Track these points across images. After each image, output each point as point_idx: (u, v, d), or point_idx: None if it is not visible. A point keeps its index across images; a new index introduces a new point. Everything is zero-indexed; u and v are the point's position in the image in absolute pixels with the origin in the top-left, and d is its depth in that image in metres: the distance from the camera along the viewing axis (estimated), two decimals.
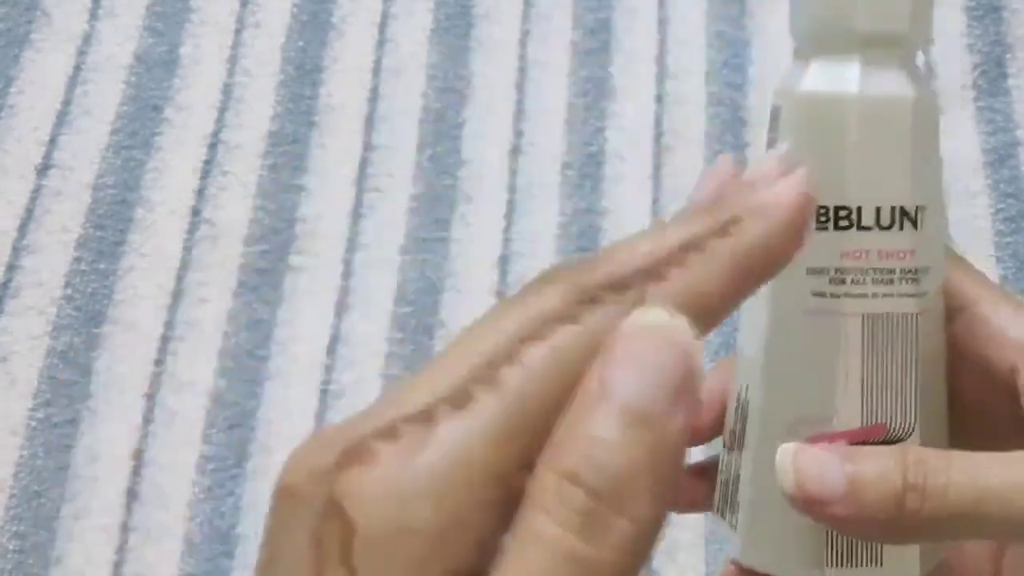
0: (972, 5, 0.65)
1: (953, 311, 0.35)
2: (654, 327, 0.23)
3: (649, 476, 0.22)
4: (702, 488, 0.38)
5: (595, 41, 0.65)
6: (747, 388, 0.36)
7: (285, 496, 0.23)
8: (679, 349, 0.23)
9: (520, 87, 0.63)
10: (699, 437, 0.38)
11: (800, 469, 0.31)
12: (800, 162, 0.31)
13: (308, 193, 0.61)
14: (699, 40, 0.64)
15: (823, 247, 0.33)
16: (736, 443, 0.36)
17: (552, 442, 0.22)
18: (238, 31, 0.65)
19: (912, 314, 0.34)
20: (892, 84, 0.33)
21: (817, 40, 0.35)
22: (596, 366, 0.23)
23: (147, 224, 0.60)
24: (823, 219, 0.33)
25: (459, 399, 0.22)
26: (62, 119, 0.63)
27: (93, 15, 0.66)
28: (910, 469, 0.30)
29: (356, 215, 0.60)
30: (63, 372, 0.56)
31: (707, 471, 0.38)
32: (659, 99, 0.63)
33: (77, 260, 0.59)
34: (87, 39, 0.65)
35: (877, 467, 0.31)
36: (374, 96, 0.63)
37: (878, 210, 0.33)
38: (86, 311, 0.57)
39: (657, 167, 0.61)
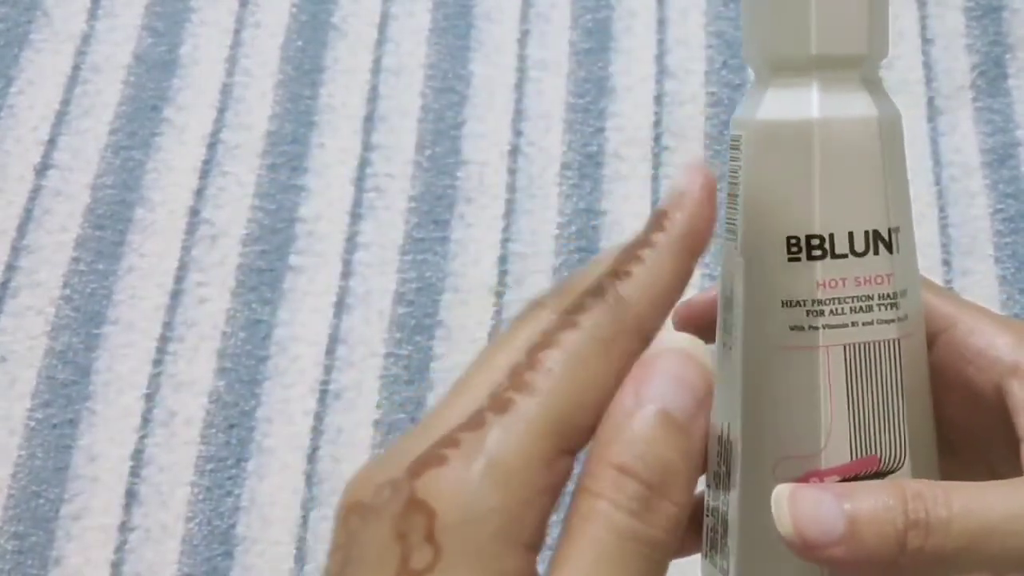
0: (971, 6, 0.65)
1: (933, 335, 0.35)
2: (678, 347, 0.28)
3: (686, 468, 0.27)
4: (689, 532, 0.36)
5: (594, 41, 0.65)
6: (728, 427, 0.35)
7: (355, 509, 0.26)
8: (700, 365, 0.28)
9: (519, 87, 0.63)
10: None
11: (796, 511, 0.31)
12: (764, 191, 0.32)
13: (307, 193, 0.61)
14: (698, 40, 0.64)
15: (797, 279, 0.32)
16: (721, 484, 0.35)
17: (599, 442, 0.27)
18: (237, 31, 0.65)
19: (894, 339, 0.33)
20: (854, 105, 0.33)
21: (774, 65, 0.34)
22: (630, 379, 0.28)
23: (146, 224, 0.60)
24: (795, 250, 0.32)
25: (500, 404, 0.27)
26: (61, 119, 0.62)
27: (92, 15, 0.66)
28: (910, 505, 0.30)
29: (355, 215, 0.60)
30: (62, 372, 0.56)
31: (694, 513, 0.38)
32: (658, 99, 0.63)
33: (76, 260, 0.59)
34: (86, 39, 0.65)
35: (876, 505, 0.30)
36: (373, 96, 0.63)
37: (851, 236, 0.32)
38: (85, 311, 0.57)
39: (656, 167, 0.61)
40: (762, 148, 0.33)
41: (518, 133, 0.62)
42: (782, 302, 0.32)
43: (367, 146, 0.62)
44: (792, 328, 0.32)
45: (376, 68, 0.64)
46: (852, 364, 0.33)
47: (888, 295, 0.33)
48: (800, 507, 0.30)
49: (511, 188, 0.60)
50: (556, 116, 0.62)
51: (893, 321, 0.33)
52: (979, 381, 0.34)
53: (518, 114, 0.63)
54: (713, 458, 0.36)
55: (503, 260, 0.59)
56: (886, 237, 0.33)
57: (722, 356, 0.35)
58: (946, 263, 0.58)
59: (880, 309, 0.33)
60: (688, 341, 0.28)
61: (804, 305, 0.32)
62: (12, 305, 0.57)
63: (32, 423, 0.55)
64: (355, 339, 0.57)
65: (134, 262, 0.59)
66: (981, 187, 0.60)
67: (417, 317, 0.57)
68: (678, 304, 0.35)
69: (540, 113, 0.63)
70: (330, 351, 0.56)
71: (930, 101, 0.63)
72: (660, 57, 0.64)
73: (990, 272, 0.58)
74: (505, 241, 0.59)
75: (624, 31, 0.65)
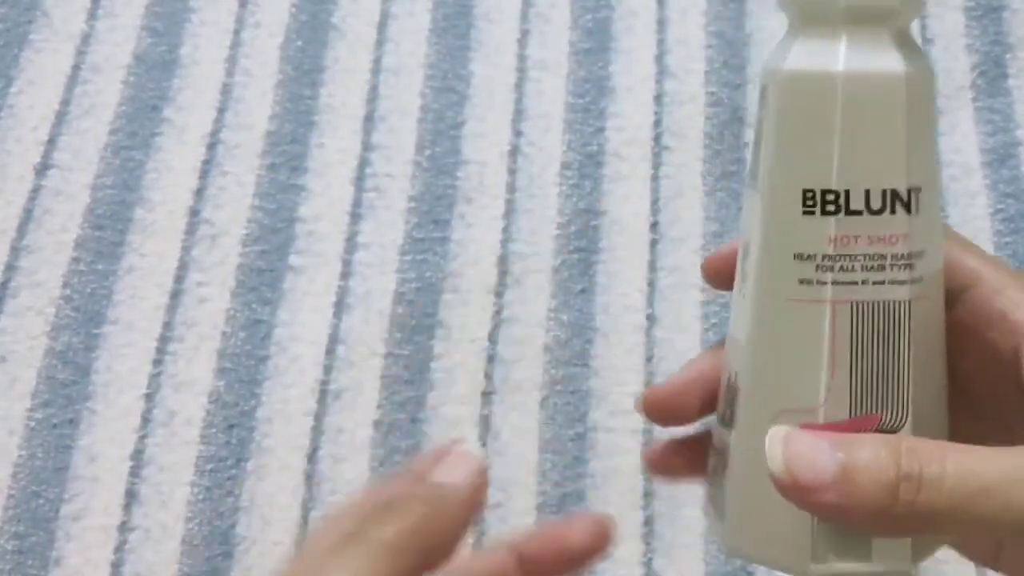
0: (971, 5, 0.65)
1: (956, 292, 0.34)
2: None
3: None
4: (693, 458, 0.38)
5: (594, 41, 0.65)
6: (736, 374, 0.35)
7: None
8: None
9: (519, 87, 0.63)
10: (685, 417, 0.37)
11: (789, 452, 0.30)
12: (785, 142, 0.32)
13: (307, 193, 0.61)
14: (698, 40, 0.64)
15: (811, 232, 0.32)
16: (725, 425, 0.35)
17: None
18: (237, 31, 0.65)
19: (905, 301, 0.32)
20: (881, 60, 0.32)
21: (804, 15, 0.33)
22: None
23: (146, 224, 0.60)
24: (810, 203, 0.32)
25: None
26: (61, 119, 0.62)
27: (92, 15, 0.66)
28: (904, 457, 0.30)
29: (355, 215, 0.60)
30: (62, 372, 0.56)
31: (700, 442, 0.38)
32: (658, 99, 0.63)
33: (76, 260, 0.59)
34: (86, 39, 0.65)
35: (870, 454, 0.30)
36: (373, 96, 0.63)
37: (867, 193, 0.32)
38: (85, 311, 0.57)
39: (656, 167, 0.61)
40: (786, 98, 0.33)
41: (518, 133, 0.62)
42: (794, 254, 0.32)
43: (367, 146, 0.62)
44: (802, 281, 0.32)
45: (376, 68, 0.64)
46: (859, 322, 0.32)
47: (903, 255, 0.32)
48: (794, 448, 0.30)
49: (511, 188, 0.60)
50: (556, 116, 0.62)
51: (906, 282, 0.32)
52: (999, 344, 0.33)
53: (518, 114, 0.63)
54: (721, 399, 0.36)
55: (503, 260, 0.59)
56: (904, 197, 0.32)
57: (736, 303, 0.35)
58: None
59: (893, 269, 0.32)
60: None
61: (815, 259, 0.32)
62: (12, 305, 0.57)
63: (32, 423, 0.55)
64: (355, 339, 0.57)
65: (134, 262, 0.59)
66: (981, 187, 0.60)
67: (417, 317, 0.57)
68: (707, 257, 0.37)
69: (540, 113, 0.63)
70: (330, 351, 0.56)
71: None
72: (660, 57, 0.64)
73: None
74: (505, 241, 0.59)
75: (624, 31, 0.65)
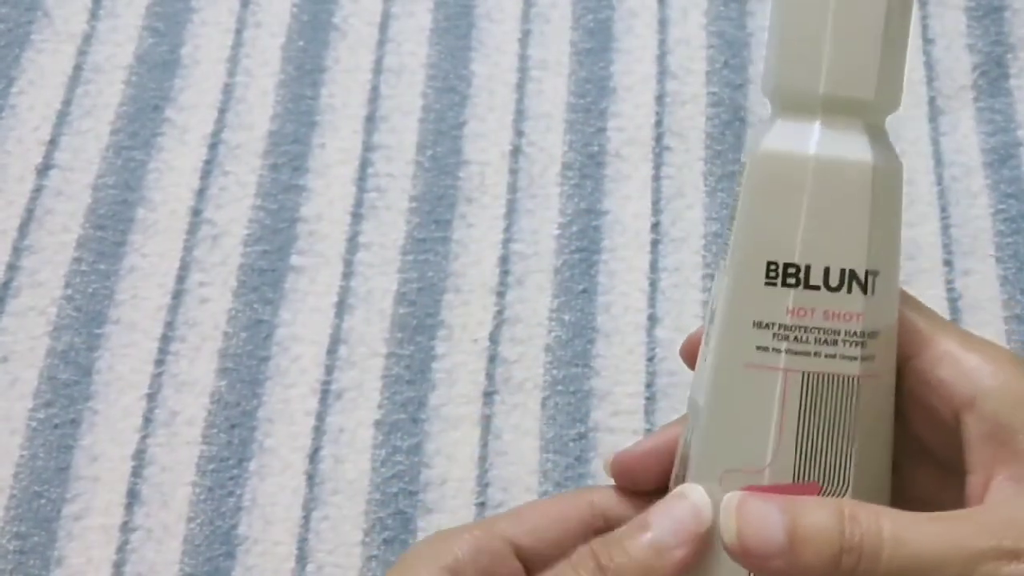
0: (972, 5, 0.65)
1: (904, 359, 0.36)
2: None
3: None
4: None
5: (595, 41, 0.65)
6: (691, 434, 0.36)
7: None
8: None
9: (520, 87, 0.63)
10: (647, 483, 0.40)
11: (741, 521, 0.32)
12: (756, 217, 0.34)
13: (309, 193, 0.61)
14: (699, 40, 0.64)
15: (770, 302, 0.34)
16: (679, 481, 0.37)
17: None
18: (239, 31, 0.65)
19: (853, 376, 0.34)
20: (851, 149, 0.34)
21: (784, 101, 0.35)
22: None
23: (148, 224, 0.60)
24: (772, 275, 0.34)
25: None
26: (62, 119, 0.63)
27: (93, 15, 0.66)
28: (847, 527, 0.31)
29: (356, 215, 0.60)
30: (63, 372, 0.56)
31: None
32: (660, 99, 0.63)
33: (77, 260, 0.59)
34: (87, 39, 0.65)
35: (815, 522, 0.31)
36: (374, 96, 0.63)
37: (827, 271, 0.34)
38: (86, 311, 0.57)
39: (658, 167, 0.61)
40: (761, 177, 0.35)
41: (519, 133, 0.62)
42: (753, 322, 0.34)
43: (368, 146, 0.62)
44: (758, 348, 0.34)
45: (377, 68, 0.64)
46: (808, 392, 0.34)
47: (855, 333, 0.34)
48: (745, 517, 0.32)
49: (512, 188, 0.60)
50: (557, 116, 0.62)
51: (857, 359, 0.34)
52: (942, 412, 0.35)
53: (519, 114, 0.63)
54: (677, 460, 0.38)
55: (504, 260, 0.59)
56: (862, 278, 0.34)
57: (699, 368, 0.37)
58: (947, 263, 0.58)
59: (845, 345, 0.34)
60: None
61: (772, 328, 0.34)
62: (13, 305, 0.57)
63: (33, 423, 0.55)
64: (356, 339, 0.57)
65: (136, 262, 0.59)
66: (982, 187, 0.60)
67: (419, 317, 0.57)
68: (684, 342, 0.41)
69: (541, 113, 0.63)
70: (331, 351, 0.56)
71: (931, 101, 0.63)
72: (661, 57, 0.64)
73: (991, 272, 0.58)
74: (506, 241, 0.59)
75: (625, 31, 0.65)
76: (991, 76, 0.63)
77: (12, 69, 0.64)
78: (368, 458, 0.54)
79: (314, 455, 0.54)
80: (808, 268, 0.34)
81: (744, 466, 0.34)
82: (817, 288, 0.34)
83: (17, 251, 0.59)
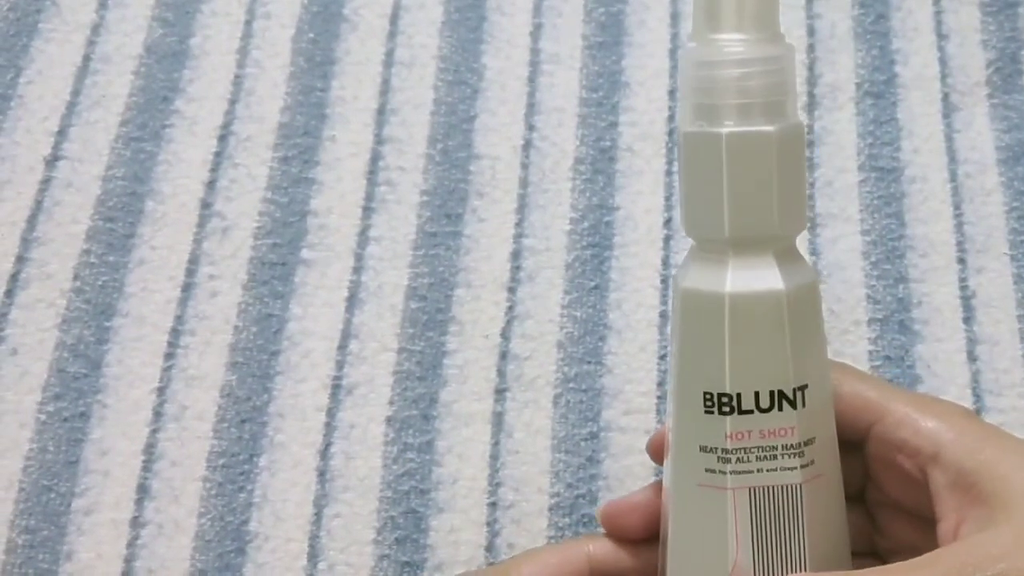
0: (987, 1, 0.65)
1: (865, 427, 0.40)
2: None
3: None
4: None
5: (607, 35, 0.64)
6: (667, 538, 0.40)
7: None
8: None
9: (532, 81, 0.63)
10: (632, 535, 0.43)
11: None
12: (687, 349, 0.37)
13: (319, 186, 0.60)
14: None
15: (711, 429, 0.37)
16: None
17: None
18: (248, 22, 0.65)
19: (797, 484, 0.37)
20: (762, 280, 0.37)
21: (698, 242, 0.38)
22: None
23: (157, 217, 0.59)
24: (709, 404, 0.37)
25: None
26: (71, 110, 0.62)
27: (102, 5, 0.65)
28: None
29: (367, 209, 0.60)
30: (73, 365, 0.56)
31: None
32: (672, 94, 0.63)
33: (86, 252, 0.58)
34: (96, 29, 0.65)
35: None
36: (385, 89, 0.63)
37: (756, 395, 0.37)
38: (96, 304, 0.57)
39: (670, 162, 0.61)
40: (686, 312, 0.38)
41: (531, 127, 0.62)
42: (699, 447, 0.37)
43: (379, 139, 0.62)
44: (707, 470, 0.37)
45: (388, 61, 0.64)
46: (756, 505, 0.37)
47: (792, 445, 0.37)
48: None
49: (524, 183, 0.60)
50: (569, 110, 0.62)
51: (796, 468, 0.37)
52: (908, 468, 0.39)
53: (531, 108, 0.62)
54: (660, 554, 0.41)
55: (515, 255, 0.58)
56: (790, 396, 0.37)
57: (665, 475, 0.40)
58: (961, 260, 0.58)
59: (784, 457, 0.37)
60: None
61: (716, 452, 0.37)
62: (23, 297, 0.57)
63: (43, 416, 0.55)
64: (367, 334, 0.56)
65: (145, 255, 0.59)
66: (996, 184, 0.60)
67: (429, 312, 0.57)
68: (650, 439, 0.44)
69: (553, 107, 0.62)
70: (342, 346, 0.56)
71: (945, 97, 0.62)
72: (674, 52, 0.64)
73: (1005, 270, 0.58)
74: (518, 236, 0.59)
75: (637, 25, 0.65)
76: (1005, 72, 0.63)
77: (20, 59, 0.64)
78: (379, 455, 0.53)
79: (325, 451, 0.54)
80: (739, 396, 0.37)
81: (709, 574, 0.37)
82: (751, 412, 0.37)
83: (26, 242, 0.59)
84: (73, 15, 0.65)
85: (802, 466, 0.37)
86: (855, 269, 0.58)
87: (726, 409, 0.37)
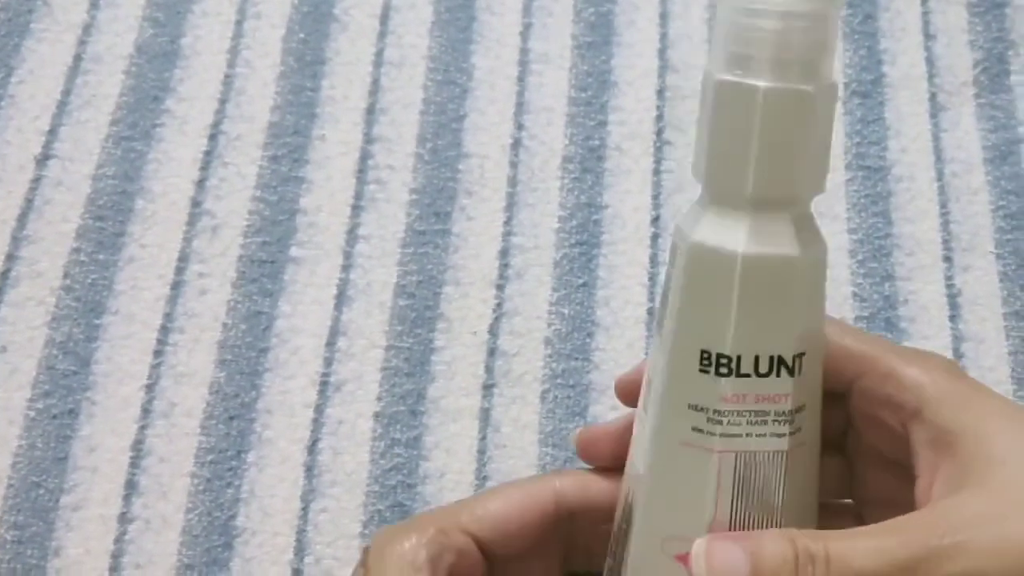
0: (974, 1, 0.65)
1: (849, 380, 0.40)
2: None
3: None
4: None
5: (596, 35, 0.65)
6: (633, 497, 0.39)
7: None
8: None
9: (521, 80, 0.63)
10: (600, 459, 0.43)
11: (711, 562, 0.35)
12: (689, 303, 0.36)
13: (308, 185, 0.61)
14: (701, 34, 0.64)
15: (704, 388, 0.36)
16: (620, 539, 0.40)
17: None
18: (239, 22, 0.65)
19: (783, 451, 0.37)
20: (778, 244, 0.35)
21: (713, 194, 0.36)
22: None
23: (147, 215, 0.60)
24: (706, 362, 0.36)
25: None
26: (62, 109, 0.62)
27: (94, 5, 0.66)
28: (800, 555, 0.34)
29: (356, 207, 0.60)
30: (62, 363, 0.56)
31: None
32: (660, 93, 0.63)
33: (76, 251, 0.59)
34: (87, 29, 0.65)
35: (773, 552, 0.34)
36: (375, 88, 0.63)
37: (756, 359, 0.36)
38: (85, 302, 0.57)
39: (658, 161, 0.61)
40: (693, 266, 0.36)
41: (520, 126, 0.62)
42: (689, 404, 0.37)
43: (368, 138, 0.62)
44: (694, 429, 0.37)
45: (378, 60, 0.64)
46: (740, 469, 0.37)
47: (784, 411, 0.37)
48: (712, 557, 0.35)
49: (512, 181, 0.60)
50: (558, 110, 0.62)
51: (785, 435, 0.37)
52: (891, 422, 0.39)
53: (520, 107, 0.62)
54: (619, 514, 0.40)
55: (504, 253, 0.58)
56: (789, 363, 0.36)
57: (638, 429, 0.40)
58: (947, 259, 0.58)
59: (774, 424, 0.37)
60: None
61: (707, 412, 0.36)
62: (12, 295, 0.57)
63: (32, 413, 0.55)
64: (355, 331, 0.57)
65: (135, 252, 0.59)
66: (983, 183, 0.60)
67: (418, 310, 0.57)
68: (619, 377, 0.44)
69: (542, 106, 0.62)
70: (331, 343, 0.56)
71: (932, 97, 0.63)
72: (663, 51, 0.64)
73: (991, 268, 0.58)
74: (506, 234, 0.59)
75: (626, 25, 0.65)
76: (992, 72, 0.63)
77: (12, 58, 0.64)
78: (367, 450, 0.54)
79: (313, 447, 0.54)
80: (739, 358, 0.36)
81: (685, 533, 0.37)
82: (748, 376, 0.36)
83: (16, 241, 0.59)
84: (64, 15, 0.65)
85: (790, 433, 0.37)
86: (842, 267, 0.58)
87: (724, 370, 0.36)
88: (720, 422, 0.36)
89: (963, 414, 0.37)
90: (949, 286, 0.57)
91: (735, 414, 0.36)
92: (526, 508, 0.42)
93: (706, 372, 0.36)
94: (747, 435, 0.36)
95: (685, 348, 0.37)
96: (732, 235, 0.35)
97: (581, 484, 0.42)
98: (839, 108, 0.62)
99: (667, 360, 0.37)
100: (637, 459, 0.39)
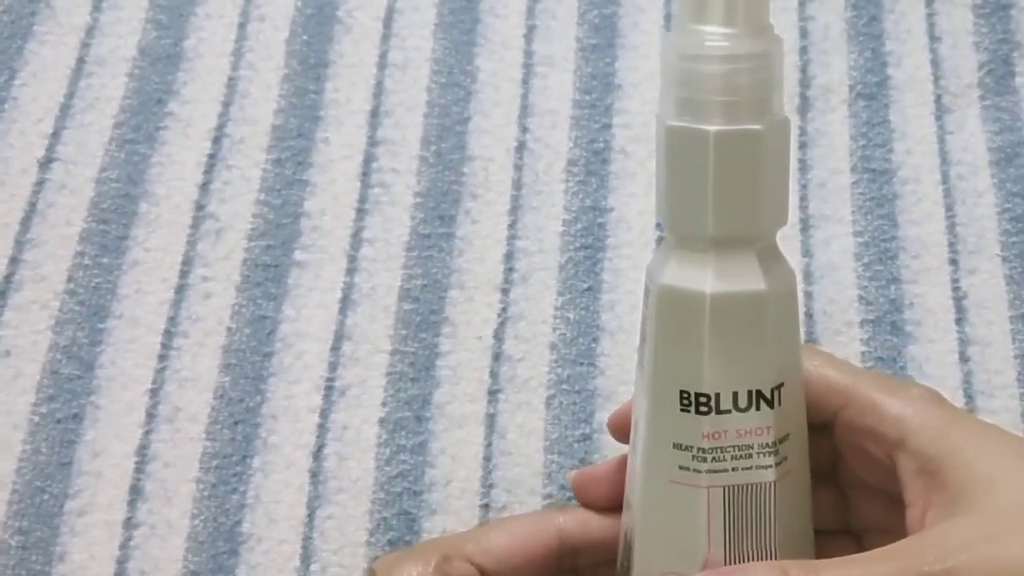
0: (979, 3, 0.65)
1: (833, 412, 0.40)
2: None
3: None
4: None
5: (601, 37, 0.65)
6: (632, 534, 0.40)
7: None
8: None
9: (526, 83, 0.63)
10: (597, 504, 0.44)
11: None
12: (664, 346, 0.37)
13: (312, 188, 0.60)
14: None
15: (687, 427, 0.37)
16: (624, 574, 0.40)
17: None
18: (242, 25, 0.65)
19: (771, 482, 0.37)
20: (743, 281, 0.36)
21: (677, 237, 0.37)
22: None
23: (151, 219, 0.60)
24: (686, 403, 0.37)
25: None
26: (65, 112, 0.62)
27: (96, 7, 0.66)
28: None
29: (360, 211, 0.60)
30: (66, 367, 0.56)
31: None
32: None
33: (80, 254, 0.59)
34: (90, 32, 0.65)
35: None
36: (379, 91, 0.63)
37: (735, 395, 0.36)
38: (89, 306, 0.57)
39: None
40: (664, 309, 0.37)
41: (524, 129, 0.62)
42: (673, 444, 0.37)
43: (372, 141, 0.62)
44: (680, 468, 0.37)
45: (382, 63, 0.64)
46: (730, 503, 0.37)
47: (767, 443, 0.37)
48: None
49: (517, 184, 0.60)
50: (562, 112, 0.62)
51: (771, 466, 0.37)
52: (876, 454, 0.39)
53: (524, 110, 0.62)
54: (620, 551, 0.41)
55: (509, 257, 0.58)
56: (768, 395, 0.37)
57: (630, 462, 0.40)
58: (953, 262, 0.58)
59: (759, 456, 0.37)
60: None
61: (691, 450, 0.37)
62: (16, 299, 0.57)
63: (36, 418, 0.55)
64: (360, 336, 0.56)
65: (139, 256, 0.59)
66: (988, 186, 0.60)
67: (423, 314, 0.57)
68: (611, 417, 0.45)
69: (546, 109, 0.62)
70: (335, 347, 0.56)
71: (937, 99, 0.62)
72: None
73: (997, 271, 0.58)
74: (511, 238, 0.59)
75: (631, 27, 0.65)
76: (998, 74, 0.63)
77: (15, 61, 0.64)
78: (372, 456, 0.54)
79: (318, 452, 0.54)
80: (718, 396, 0.36)
81: (681, 570, 0.37)
82: (728, 412, 0.37)
83: (19, 244, 0.59)
84: (67, 17, 0.65)
85: (776, 464, 0.37)
86: (847, 270, 0.58)
87: (704, 409, 0.37)
88: (705, 459, 0.37)
89: (946, 442, 0.37)
90: (955, 289, 0.57)
91: (719, 450, 0.37)
92: (530, 543, 0.42)
93: (687, 411, 0.37)
94: (733, 469, 0.37)
95: (664, 389, 0.37)
96: (699, 276, 0.36)
97: (582, 521, 0.43)
98: (844, 111, 0.62)
99: (648, 401, 0.38)
100: (632, 496, 0.40)
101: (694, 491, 0.37)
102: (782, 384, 0.37)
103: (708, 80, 0.35)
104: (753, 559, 0.37)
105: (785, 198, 0.37)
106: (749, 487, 0.37)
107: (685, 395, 0.37)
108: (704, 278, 0.36)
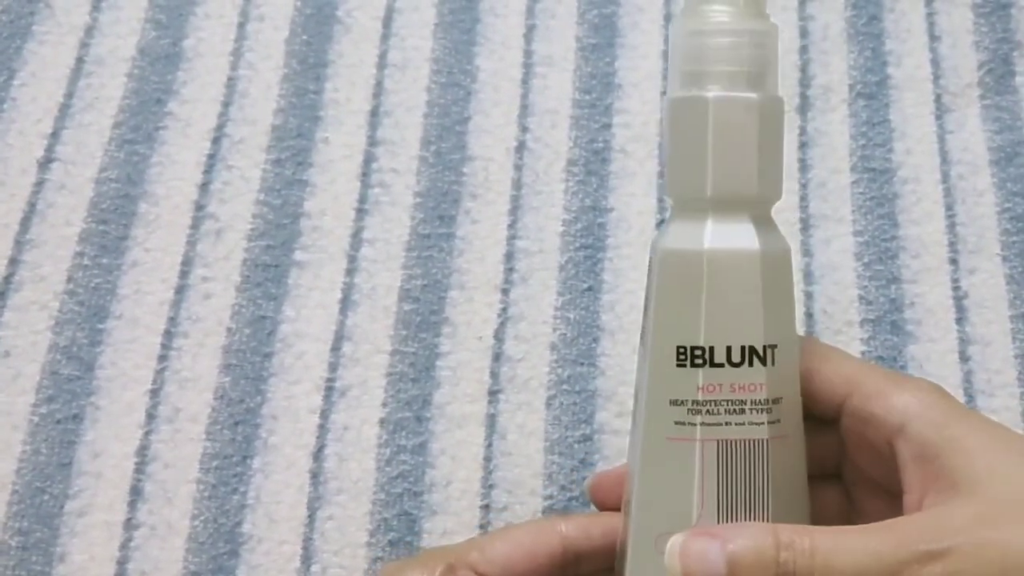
0: (979, 2, 0.65)
1: (839, 401, 0.41)
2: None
3: None
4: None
5: (600, 37, 0.64)
6: (631, 498, 0.41)
7: None
8: None
9: (525, 83, 0.63)
10: (610, 506, 0.45)
11: (685, 560, 0.36)
12: (665, 307, 0.39)
13: (312, 188, 0.60)
14: None
15: (682, 381, 0.39)
16: (621, 549, 0.41)
17: None
18: (242, 25, 0.65)
19: (763, 439, 0.38)
20: (740, 240, 0.39)
21: (678, 203, 0.40)
22: None
23: (150, 219, 0.59)
24: (682, 358, 0.39)
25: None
26: (64, 112, 0.62)
27: (96, 7, 0.65)
28: (782, 554, 0.35)
29: (360, 211, 0.60)
30: (66, 367, 0.56)
31: None
32: (665, 95, 0.62)
33: (80, 255, 0.58)
34: (89, 31, 0.65)
35: (754, 547, 0.35)
36: (379, 91, 0.63)
37: (729, 349, 0.38)
38: (89, 306, 0.57)
39: (663, 164, 0.61)
40: (665, 271, 0.39)
41: (524, 129, 0.62)
42: (670, 400, 0.39)
43: (372, 141, 0.62)
44: (676, 423, 0.39)
45: (381, 63, 0.64)
46: (723, 458, 0.38)
47: (761, 401, 0.39)
48: (688, 556, 0.36)
49: (517, 184, 0.60)
50: (562, 112, 0.62)
51: (764, 424, 0.38)
52: (878, 441, 0.40)
53: (524, 110, 0.62)
54: (623, 515, 0.42)
55: (509, 257, 0.58)
56: (761, 352, 0.38)
57: (631, 439, 0.42)
58: (953, 261, 0.58)
59: (752, 412, 0.38)
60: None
61: (686, 404, 0.39)
62: (16, 299, 0.57)
63: (36, 418, 0.55)
64: (360, 336, 0.56)
65: (138, 256, 0.59)
66: (988, 185, 0.60)
67: (423, 314, 0.57)
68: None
69: (546, 109, 0.62)
70: (335, 348, 0.56)
71: (937, 98, 0.62)
72: (667, 54, 0.64)
73: (997, 270, 0.58)
74: (511, 238, 0.59)
75: (630, 27, 0.65)
76: (998, 74, 0.63)
77: (14, 61, 0.64)
78: (373, 457, 0.53)
79: (318, 453, 0.54)
80: (712, 349, 0.38)
81: (674, 529, 0.38)
82: (722, 366, 0.38)
83: (19, 245, 0.59)
84: (67, 17, 0.65)
85: (769, 422, 0.38)
86: (848, 270, 0.58)
87: (699, 361, 0.38)
88: (699, 411, 0.38)
89: (948, 431, 0.38)
90: (955, 288, 0.57)
91: (713, 403, 0.38)
92: (534, 551, 0.43)
93: (683, 366, 0.38)
94: (727, 424, 0.38)
95: (663, 348, 0.39)
96: (697, 236, 0.39)
97: (584, 528, 0.44)
98: (844, 110, 0.62)
99: (649, 363, 0.40)
100: (631, 463, 0.41)
101: (688, 445, 0.38)
102: (776, 346, 0.39)
103: (709, 52, 0.39)
104: (746, 520, 0.38)
105: (779, 171, 0.40)
106: (742, 443, 0.38)
107: (681, 350, 0.38)
108: (701, 236, 0.39)
